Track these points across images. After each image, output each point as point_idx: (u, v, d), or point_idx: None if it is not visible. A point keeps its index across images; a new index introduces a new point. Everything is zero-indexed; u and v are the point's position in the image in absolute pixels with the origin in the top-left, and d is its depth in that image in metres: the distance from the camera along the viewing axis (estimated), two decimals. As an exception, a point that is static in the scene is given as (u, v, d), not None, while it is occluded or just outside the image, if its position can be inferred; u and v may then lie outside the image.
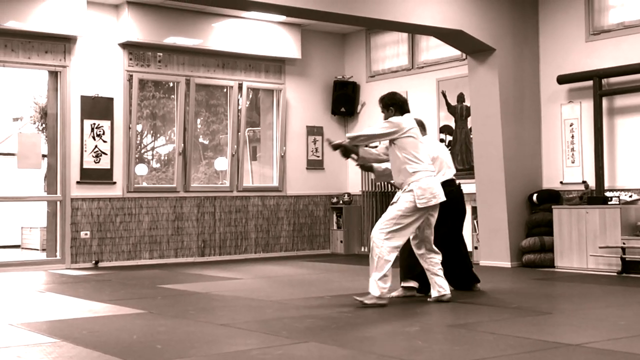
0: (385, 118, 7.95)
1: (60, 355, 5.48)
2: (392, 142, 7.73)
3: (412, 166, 7.62)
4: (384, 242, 7.51)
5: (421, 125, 8.60)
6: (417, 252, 7.96)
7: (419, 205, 7.53)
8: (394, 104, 7.95)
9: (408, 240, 8.05)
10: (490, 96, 11.87)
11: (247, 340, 6.04)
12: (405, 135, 7.65)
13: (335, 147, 8.04)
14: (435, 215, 7.80)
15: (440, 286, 7.88)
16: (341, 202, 15.01)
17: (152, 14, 12.94)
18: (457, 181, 8.79)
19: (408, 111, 7.95)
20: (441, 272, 7.93)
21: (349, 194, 14.99)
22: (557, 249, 11.26)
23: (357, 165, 8.41)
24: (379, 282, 7.49)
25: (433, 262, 7.90)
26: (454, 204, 8.46)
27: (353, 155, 8.11)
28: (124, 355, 5.44)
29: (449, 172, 8.54)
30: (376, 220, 14.17)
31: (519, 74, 12.04)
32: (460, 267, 8.66)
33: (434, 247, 7.92)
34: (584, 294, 8.79)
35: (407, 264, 8.34)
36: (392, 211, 7.64)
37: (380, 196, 14.49)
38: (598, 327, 6.54)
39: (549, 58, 12.14)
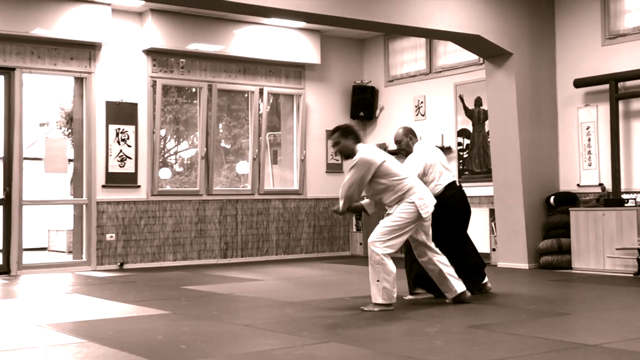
0: (341, 146, 7.71)
1: (87, 355, 5.50)
2: (370, 180, 7.52)
3: (404, 183, 7.48)
4: (383, 249, 7.39)
5: (412, 132, 8.61)
6: (421, 260, 7.81)
7: (424, 215, 7.43)
8: (352, 133, 7.70)
9: (409, 251, 8.07)
10: (507, 100, 11.83)
11: (269, 340, 6.04)
12: (380, 165, 7.51)
13: (342, 212, 7.91)
14: (428, 221, 7.71)
15: (453, 286, 7.82)
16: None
17: (175, 21, 12.97)
18: (458, 183, 8.79)
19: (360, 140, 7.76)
20: (452, 271, 7.83)
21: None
22: (574, 250, 11.18)
23: (341, 213, 8.10)
24: (384, 290, 7.39)
25: (440, 263, 7.76)
26: (458, 206, 8.44)
27: (364, 211, 8.05)
28: (150, 355, 5.45)
29: (449, 175, 8.50)
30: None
31: (535, 78, 11.99)
32: (468, 268, 8.54)
33: (434, 247, 7.79)
34: (601, 295, 8.73)
35: (416, 273, 8.32)
36: (388, 221, 7.47)
37: (399, 199, 14.46)
38: (615, 328, 6.51)
39: (565, 62, 12.09)
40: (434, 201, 7.64)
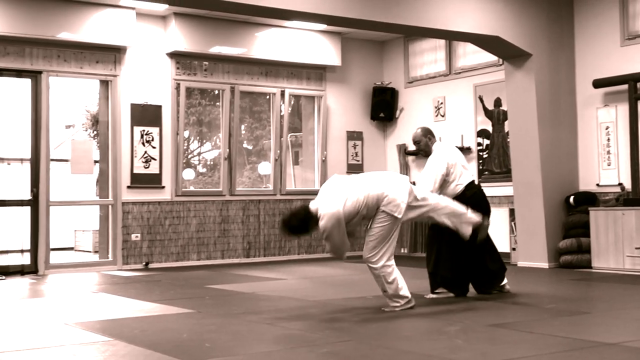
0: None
1: (114, 353, 5.52)
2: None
3: (381, 191, 7.31)
4: (379, 261, 7.26)
5: (430, 132, 8.57)
6: (433, 223, 7.86)
7: (399, 216, 7.24)
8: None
9: (431, 250, 8.06)
10: (526, 100, 11.78)
11: (291, 338, 6.05)
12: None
13: None
14: (412, 193, 7.46)
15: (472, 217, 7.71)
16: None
17: (198, 24, 13.00)
18: (477, 182, 8.77)
19: None
20: (458, 205, 7.68)
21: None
22: (594, 250, 11.09)
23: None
24: (394, 295, 7.32)
25: (445, 208, 7.58)
26: (479, 205, 8.40)
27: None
28: (174, 353, 5.46)
29: (468, 175, 8.47)
30: (415, 223, 14.16)
31: (555, 78, 11.93)
32: (489, 273, 8.47)
33: (430, 202, 7.55)
34: (620, 294, 8.68)
35: (441, 274, 8.31)
36: (371, 236, 7.28)
37: (419, 198, 14.42)
38: (635, 327, 6.48)
39: (584, 62, 12.01)
40: (404, 196, 7.35)
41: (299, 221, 7.21)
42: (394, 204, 7.21)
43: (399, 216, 7.23)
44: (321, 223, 7.05)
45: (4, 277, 11.21)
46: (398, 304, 7.32)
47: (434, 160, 8.33)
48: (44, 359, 5.37)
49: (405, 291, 7.35)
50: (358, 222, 7.31)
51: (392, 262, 7.33)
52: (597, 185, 11.79)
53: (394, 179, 7.40)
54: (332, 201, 7.11)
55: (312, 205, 7.19)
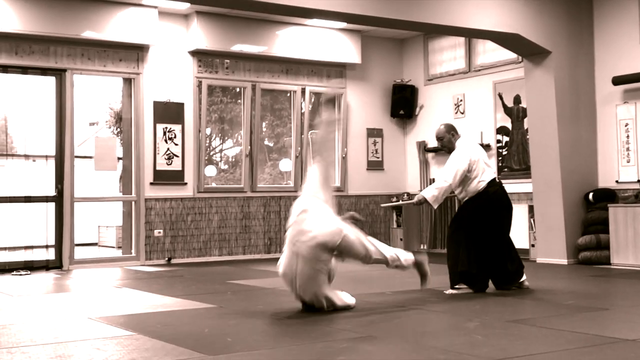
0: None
1: (137, 347, 5.53)
2: None
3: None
4: (370, 254, 7.27)
5: (453, 129, 8.55)
6: None
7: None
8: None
9: (452, 246, 8.08)
10: (546, 98, 11.74)
11: (311, 334, 6.04)
12: None
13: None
14: None
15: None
16: (401, 201, 14.95)
17: (219, 23, 13.01)
18: (498, 179, 8.74)
19: None
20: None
21: (408, 194, 14.92)
22: (613, 246, 11.08)
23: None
24: (402, 259, 7.43)
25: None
26: (501, 202, 8.38)
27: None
28: (197, 347, 5.47)
29: (490, 172, 8.44)
30: (434, 219, 14.14)
31: (574, 75, 11.88)
32: (508, 273, 8.42)
33: None
34: (639, 290, 8.64)
35: (461, 270, 8.29)
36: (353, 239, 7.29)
37: (439, 195, 14.40)
38: None
39: (604, 60, 11.96)
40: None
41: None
42: None
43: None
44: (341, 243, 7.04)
45: (29, 272, 11.28)
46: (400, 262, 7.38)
47: (456, 155, 8.32)
48: (69, 352, 5.39)
49: (390, 254, 7.40)
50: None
51: (382, 248, 7.43)
52: (616, 182, 11.75)
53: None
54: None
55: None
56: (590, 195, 11.67)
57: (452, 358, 5.07)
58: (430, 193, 8.23)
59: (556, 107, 11.64)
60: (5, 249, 12.86)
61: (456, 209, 13.89)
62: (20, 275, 11.06)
